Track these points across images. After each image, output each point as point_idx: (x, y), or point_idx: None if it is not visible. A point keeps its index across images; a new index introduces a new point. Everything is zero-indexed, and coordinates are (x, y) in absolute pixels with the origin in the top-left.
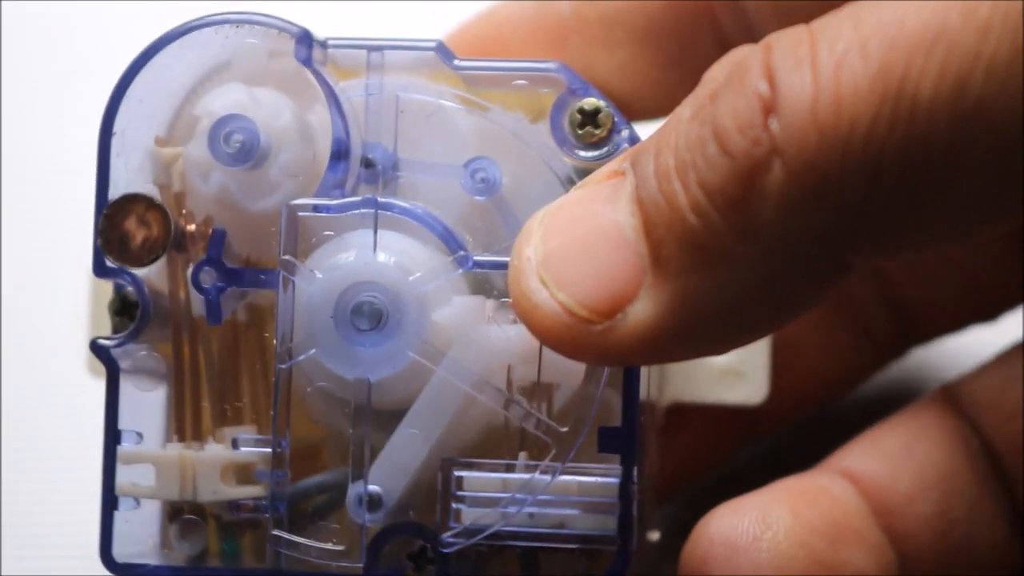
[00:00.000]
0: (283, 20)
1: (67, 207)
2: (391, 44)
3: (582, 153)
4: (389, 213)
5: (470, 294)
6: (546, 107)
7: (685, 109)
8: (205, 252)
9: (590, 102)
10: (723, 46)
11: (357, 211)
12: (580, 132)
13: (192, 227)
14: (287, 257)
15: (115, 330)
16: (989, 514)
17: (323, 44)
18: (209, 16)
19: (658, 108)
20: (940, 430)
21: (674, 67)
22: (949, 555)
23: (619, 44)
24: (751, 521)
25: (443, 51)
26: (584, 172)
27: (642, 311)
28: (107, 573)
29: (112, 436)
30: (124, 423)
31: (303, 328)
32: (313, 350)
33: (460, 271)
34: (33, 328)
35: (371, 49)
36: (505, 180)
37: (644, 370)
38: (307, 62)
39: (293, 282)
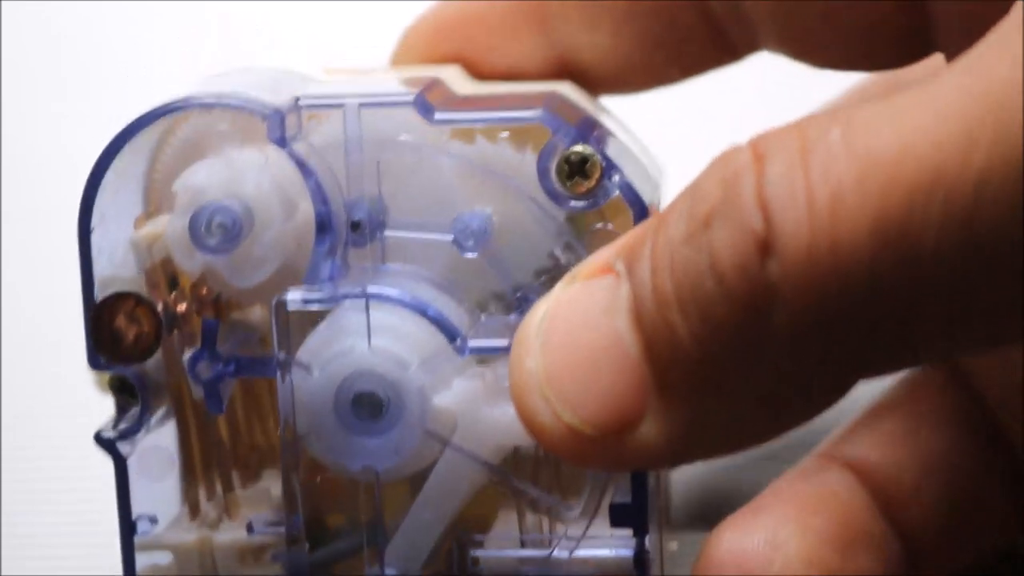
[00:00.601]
0: (252, 100)
1: (67, 206)
2: (367, 100)
3: (573, 203)
4: (379, 300)
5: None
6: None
7: (679, 224)
8: (200, 333)
9: (576, 152)
10: (707, 22)
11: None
12: (569, 183)
13: (183, 307)
14: (281, 355)
15: (117, 408)
16: (996, 497)
17: (296, 105)
18: (176, 101)
19: (643, 85)
20: (943, 408)
21: (658, 46)
22: (957, 541)
23: (601, 24)
24: (760, 542)
25: (421, 105)
26: (576, 220)
27: (649, 431)
28: (107, 573)
29: (127, 526)
30: (138, 509)
31: (305, 418)
32: (317, 445)
33: (458, 359)
34: (33, 328)
35: (347, 106)
36: (496, 220)
37: None
38: (280, 142)
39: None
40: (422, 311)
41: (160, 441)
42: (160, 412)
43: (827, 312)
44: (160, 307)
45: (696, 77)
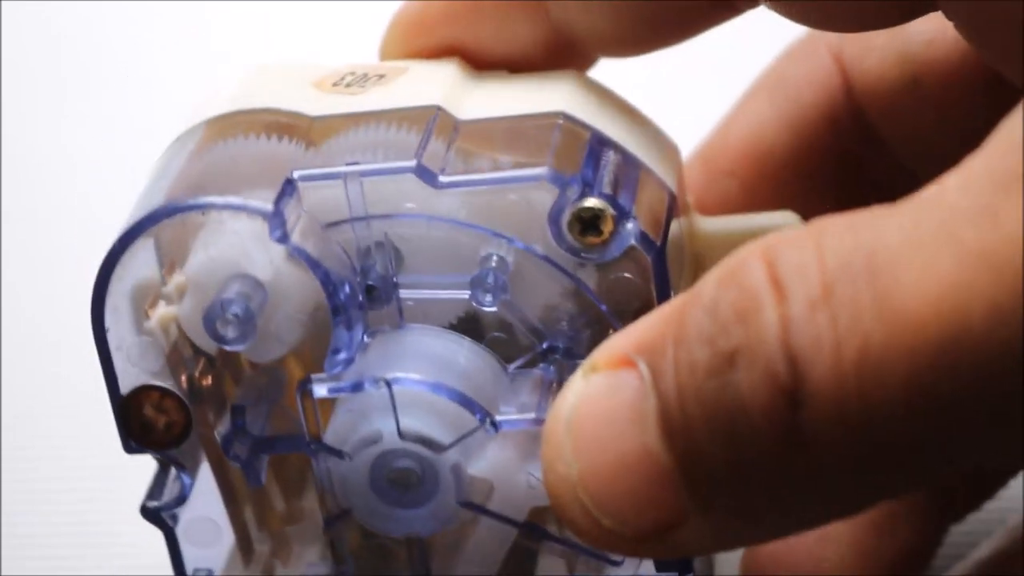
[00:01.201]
0: (251, 202)
1: (67, 206)
2: (367, 171)
3: (587, 255)
4: (402, 387)
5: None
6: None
7: (702, 349)
8: (228, 396)
9: (587, 209)
10: None
11: (372, 390)
12: (583, 239)
13: (208, 380)
14: (314, 444)
15: (159, 470)
16: None
17: (291, 190)
18: (171, 205)
19: (644, 48)
20: None
21: (656, 16)
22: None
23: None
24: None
25: (423, 172)
26: (593, 270)
27: (688, 532)
28: (107, 573)
29: None
30: (191, 569)
31: (344, 493)
32: (359, 516)
33: (490, 436)
34: (33, 328)
35: (348, 180)
36: (511, 270)
37: None
38: (283, 240)
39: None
40: (446, 394)
41: (204, 502)
42: (200, 463)
43: (856, 459)
44: (185, 381)
45: (697, 35)
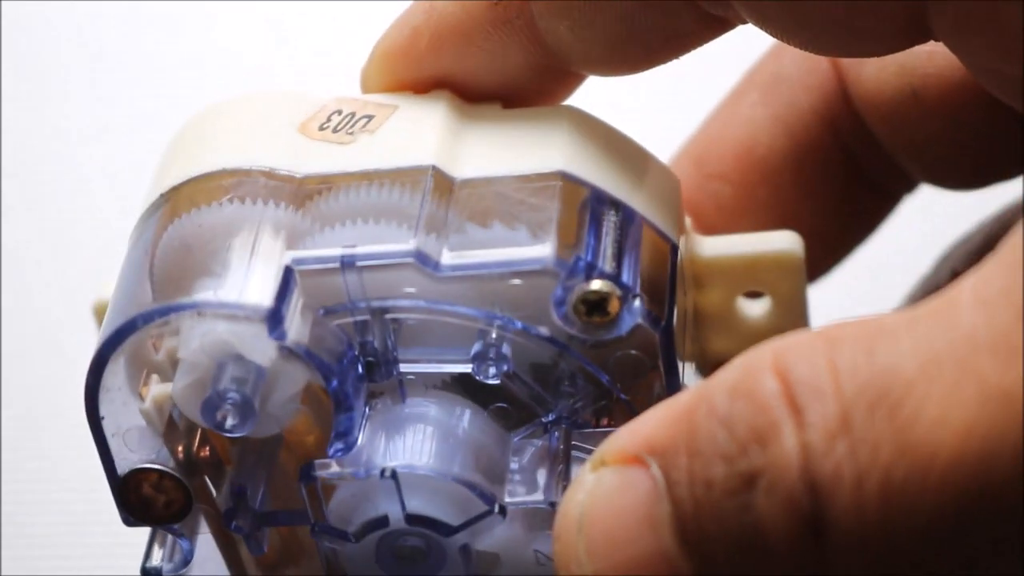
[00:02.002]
0: (243, 305)
1: (68, 205)
2: (365, 257)
3: (593, 336)
4: (410, 474)
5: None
6: None
7: (717, 466)
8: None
9: (593, 292)
10: (695, 14)
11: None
12: (588, 320)
13: (206, 452)
14: (319, 528)
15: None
16: None
17: (289, 277)
18: (168, 305)
19: (632, 70)
20: None
21: (645, 31)
22: None
23: (590, 19)
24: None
25: (422, 258)
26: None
27: None
28: (107, 573)
29: None
30: None
31: (350, 568)
32: None
33: (499, 522)
34: (33, 327)
35: (346, 268)
36: (513, 345)
37: None
38: (281, 338)
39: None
40: (454, 480)
41: (208, 570)
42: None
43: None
44: (182, 453)
45: (689, 53)
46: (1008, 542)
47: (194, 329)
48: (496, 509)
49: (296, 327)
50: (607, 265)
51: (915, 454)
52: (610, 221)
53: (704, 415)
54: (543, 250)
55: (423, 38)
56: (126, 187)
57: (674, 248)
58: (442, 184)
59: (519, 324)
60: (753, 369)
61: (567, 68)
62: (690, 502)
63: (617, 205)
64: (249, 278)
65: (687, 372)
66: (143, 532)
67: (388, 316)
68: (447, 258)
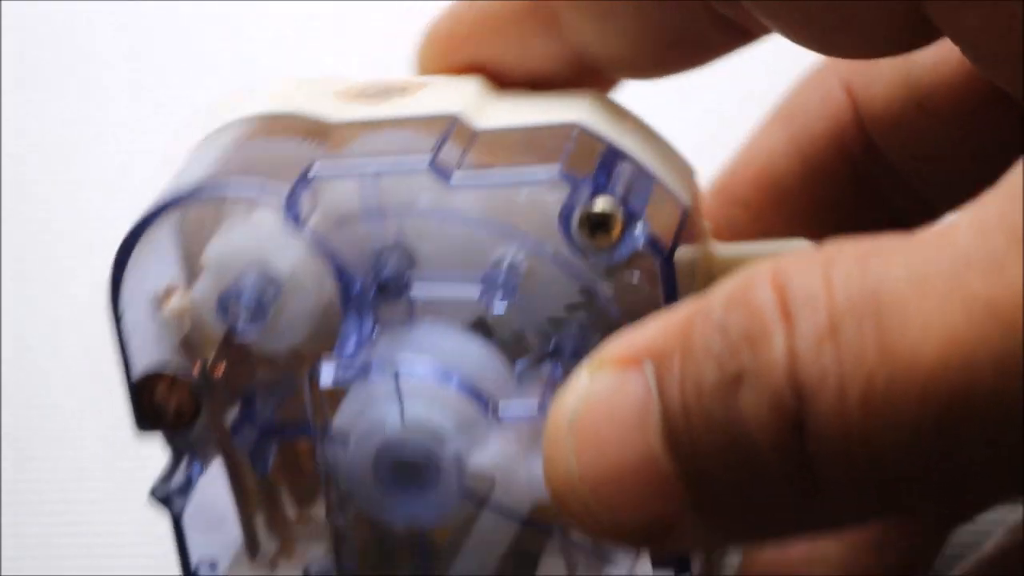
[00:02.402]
0: (266, 187)
1: (68, 205)
2: (382, 168)
3: (596, 257)
4: (409, 374)
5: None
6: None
7: (709, 367)
8: (239, 389)
9: (597, 211)
10: (712, 19)
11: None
12: (591, 239)
13: (220, 369)
14: (317, 429)
15: (171, 460)
16: None
17: (307, 181)
18: (189, 190)
19: (661, 73)
20: None
21: (668, 37)
22: None
23: (609, 19)
24: (800, 552)
25: (437, 169)
26: (600, 275)
27: (685, 533)
28: (107, 573)
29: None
30: (196, 555)
31: (347, 482)
32: (360, 502)
33: (493, 426)
34: (33, 327)
35: (363, 177)
36: (522, 270)
37: None
38: (297, 225)
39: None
40: (451, 382)
41: (213, 493)
42: (212, 455)
43: (856, 488)
44: (198, 372)
45: (716, 61)
46: (988, 453)
47: (221, 237)
48: (491, 411)
49: (313, 222)
50: (616, 191)
51: (898, 361)
52: (622, 168)
53: (700, 322)
54: (552, 168)
55: (463, 25)
56: (126, 187)
57: (684, 211)
58: (463, 130)
59: (528, 240)
60: (751, 281)
61: (592, 66)
62: (679, 404)
63: (632, 161)
64: (271, 178)
65: None
66: (143, 533)
67: (402, 232)
68: (460, 175)
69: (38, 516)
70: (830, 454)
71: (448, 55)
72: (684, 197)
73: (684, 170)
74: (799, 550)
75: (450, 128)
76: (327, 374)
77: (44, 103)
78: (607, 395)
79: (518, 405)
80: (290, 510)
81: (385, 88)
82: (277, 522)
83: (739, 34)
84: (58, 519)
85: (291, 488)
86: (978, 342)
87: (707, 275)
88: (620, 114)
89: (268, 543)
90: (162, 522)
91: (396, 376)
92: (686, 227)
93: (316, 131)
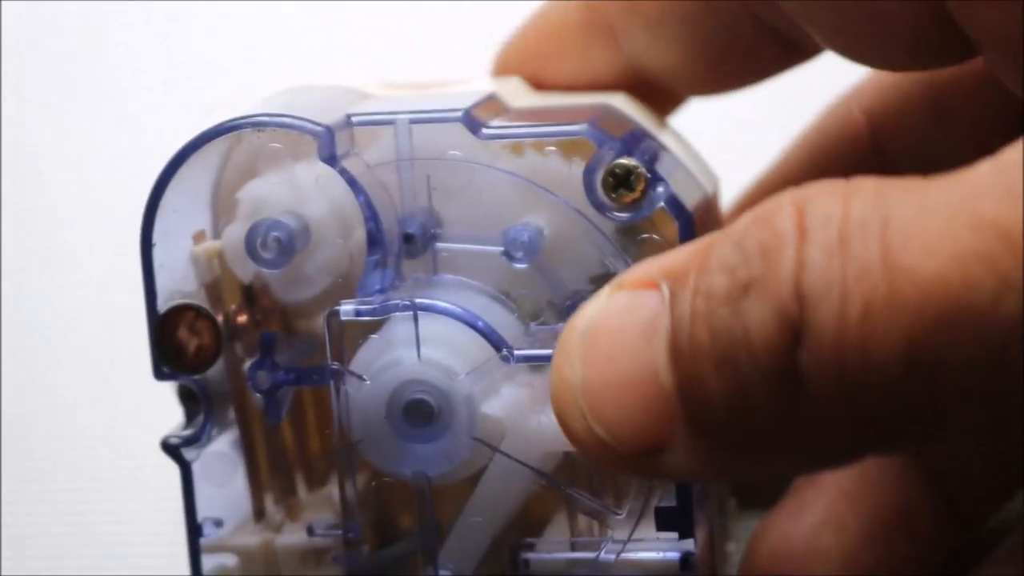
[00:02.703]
0: (303, 120)
1: (69, 206)
2: (416, 117)
3: (618, 215)
4: (429, 312)
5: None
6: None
7: (721, 277)
8: (259, 344)
9: (621, 164)
10: (766, 30)
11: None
12: (614, 195)
13: (243, 319)
14: (335, 365)
15: (186, 415)
16: None
17: (347, 123)
18: (230, 122)
19: (714, 90)
20: None
21: (722, 55)
22: (1002, 488)
23: (663, 37)
24: (800, 546)
25: (468, 120)
26: (624, 231)
27: (675, 456)
28: (106, 573)
29: (193, 529)
30: (203, 513)
31: (359, 426)
32: (370, 451)
33: (505, 368)
34: (33, 327)
35: (398, 123)
36: (547, 231)
37: None
38: (331, 161)
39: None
40: (469, 322)
41: (225, 448)
42: (226, 420)
43: (850, 406)
44: (221, 319)
45: (769, 78)
46: (977, 376)
47: (260, 179)
48: (504, 353)
49: (347, 162)
50: (641, 155)
51: (899, 275)
52: (650, 144)
53: (720, 242)
54: (581, 125)
55: (530, 39)
56: (128, 185)
57: (706, 198)
58: (498, 104)
59: (554, 195)
60: (773, 204)
61: (650, 79)
62: (688, 313)
63: (659, 144)
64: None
65: None
66: (142, 534)
67: (431, 188)
68: (490, 130)
69: (38, 516)
70: (823, 366)
71: (517, 68)
72: (708, 190)
73: (709, 174)
74: (800, 544)
75: (486, 98)
76: (348, 309)
77: (43, 102)
78: (622, 311)
79: (532, 351)
80: (301, 490)
81: (431, 84)
82: (286, 494)
83: (790, 49)
84: (58, 519)
85: (302, 470)
86: (980, 261)
87: None
88: (652, 113)
89: (276, 513)
90: (162, 522)
91: (415, 314)
92: (708, 210)
93: (360, 94)
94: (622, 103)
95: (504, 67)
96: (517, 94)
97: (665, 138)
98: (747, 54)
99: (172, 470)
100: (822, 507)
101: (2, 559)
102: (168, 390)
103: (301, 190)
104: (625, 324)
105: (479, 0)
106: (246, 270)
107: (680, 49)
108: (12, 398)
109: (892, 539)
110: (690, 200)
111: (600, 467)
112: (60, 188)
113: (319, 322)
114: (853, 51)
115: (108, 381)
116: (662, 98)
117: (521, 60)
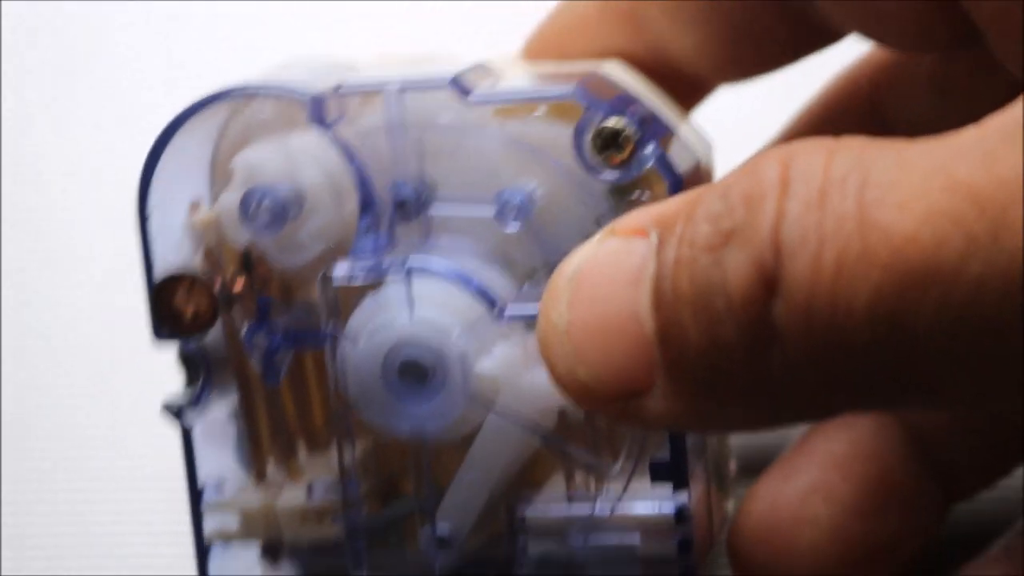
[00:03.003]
0: (294, 88)
1: (69, 206)
2: (407, 84)
3: (607, 175)
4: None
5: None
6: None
7: (706, 225)
8: (256, 310)
9: (609, 126)
10: (787, 16)
11: (391, 276)
12: (603, 156)
13: (240, 285)
14: (329, 328)
15: (186, 380)
16: None
17: (337, 92)
18: (221, 90)
19: (737, 77)
20: None
21: (744, 41)
22: (993, 465)
23: (686, 24)
24: (788, 516)
25: (458, 85)
26: (615, 192)
27: (654, 402)
28: (106, 573)
29: (195, 491)
30: (204, 474)
31: (354, 386)
32: (366, 412)
33: (497, 325)
34: (33, 326)
35: (388, 90)
36: (539, 194)
37: None
38: (322, 127)
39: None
40: (462, 281)
41: (225, 412)
42: (226, 385)
43: (820, 359)
44: (218, 286)
45: (793, 63)
46: (943, 334)
47: (257, 147)
48: (496, 310)
49: (339, 127)
50: (631, 117)
51: (872, 231)
52: (640, 108)
53: (708, 192)
54: (569, 86)
55: (556, 26)
56: (125, 186)
57: (698, 163)
58: (489, 70)
59: (543, 157)
60: (760, 158)
61: (674, 66)
62: (672, 259)
63: (650, 109)
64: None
65: None
66: (142, 534)
67: (423, 153)
68: (479, 93)
69: (38, 516)
70: (795, 318)
71: (544, 55)
72: (700, 157)
73: (703, 141)
74: (789, 511)
75: (476, 67)
76: (341, 270)
77: (44, 102)
78: (611, 257)
79: (524, 306)
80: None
81: (432, 58)
82: (286, 451)
83: (813, 33)
84: (58, 519)
85: (303, 433)
86: (952, 222)
87: None
88: (646, 82)
89: (277, 475)
90: (162, 522)
91: (408, 274)
92: (699, 175)
93: (353, 66)
94: (614, 69)
95: (531, 55)
96: (510, 64)
97: (657, 103)
98: (771, 38)
99: (172, 470)
100: (812, 474)
101: (2, 559)
102: (169, 390)
103: (295, 158)
104: (613, 269)
105: (479, 0)
106: (240, 236)
107: (702, 33)
108: (12, 398)
109: (883, 511)
110: (681, 163)
111: (586, 414)
112: (60, 188)
113: (316, 289)
114: (884, 40)
115: (108, 381)
116: (688, 88)
117: (544, 51)
